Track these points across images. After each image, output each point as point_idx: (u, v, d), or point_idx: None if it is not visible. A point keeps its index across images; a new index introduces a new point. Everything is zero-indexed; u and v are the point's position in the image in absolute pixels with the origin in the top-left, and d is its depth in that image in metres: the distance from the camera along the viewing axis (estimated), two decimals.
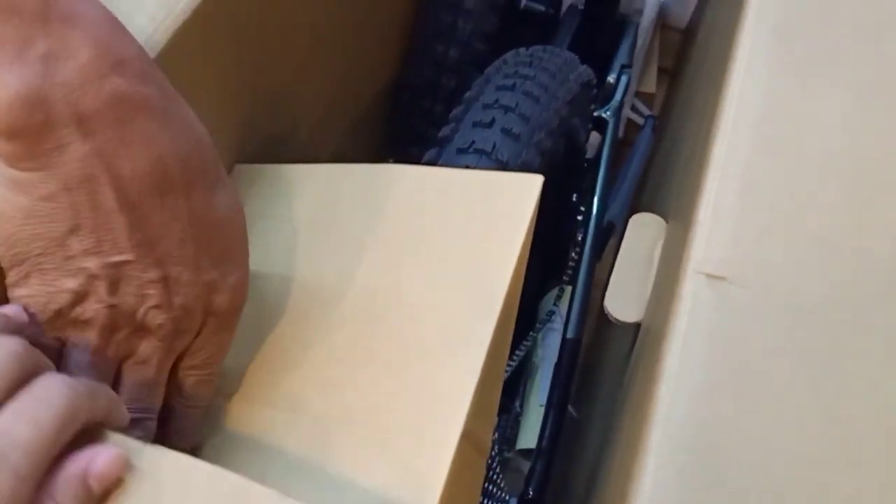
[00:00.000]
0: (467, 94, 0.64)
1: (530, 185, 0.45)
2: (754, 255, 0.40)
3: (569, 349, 0.70)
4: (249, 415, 0.43)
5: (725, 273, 0.40)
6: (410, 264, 0.45)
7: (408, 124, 0.83)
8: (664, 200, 0.66)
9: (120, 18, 0.36)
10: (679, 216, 0.50)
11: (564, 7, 1.03)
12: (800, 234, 0.41)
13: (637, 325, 0.53)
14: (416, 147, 0.83)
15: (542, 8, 0.99)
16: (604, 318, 0.54)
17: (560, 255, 0.87)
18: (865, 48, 0.48)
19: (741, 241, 0.41)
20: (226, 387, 0.44)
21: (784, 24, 0.48)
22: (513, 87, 0.62)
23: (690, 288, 0.39)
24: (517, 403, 0.80)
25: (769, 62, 0.47)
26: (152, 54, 0.42)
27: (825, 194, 0.42)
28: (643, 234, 0.57)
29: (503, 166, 0.57)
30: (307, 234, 0.48)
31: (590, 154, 0.92)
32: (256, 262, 0.42)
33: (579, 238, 0.83)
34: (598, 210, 0.84)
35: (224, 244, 0.39)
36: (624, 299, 0.53)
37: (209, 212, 0.38)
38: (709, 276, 0.40)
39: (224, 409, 0.44)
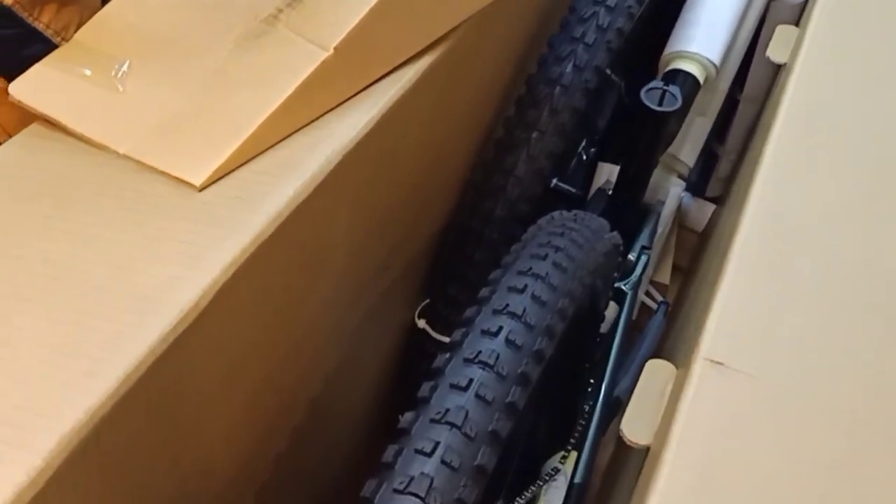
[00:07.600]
0: (504, 259, 0.70)
1: None
2: None
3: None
4: None
5: None
6: None
7: (449, 265, 0.91)
8: None
9: None
10: None
11: (592, 191, 1.11)
12: None
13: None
14: (453, 286, 0.92)
15: (572, 189, 1.07)
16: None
17: (568, 421, 0.90)
18: None
19: None
20: None
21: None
22: (545, 257, 0.68)
23: None
24: None
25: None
26: None
27: None
28: (657, 375, 0.62)
29: (531, 329, 0.62)
30: None
31: (604, 329, 0.97)
32: None
33: (586, 409, 0.86)
34: (608, 384, 0.88)
35: None
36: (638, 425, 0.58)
37: None
38: None
39: None
